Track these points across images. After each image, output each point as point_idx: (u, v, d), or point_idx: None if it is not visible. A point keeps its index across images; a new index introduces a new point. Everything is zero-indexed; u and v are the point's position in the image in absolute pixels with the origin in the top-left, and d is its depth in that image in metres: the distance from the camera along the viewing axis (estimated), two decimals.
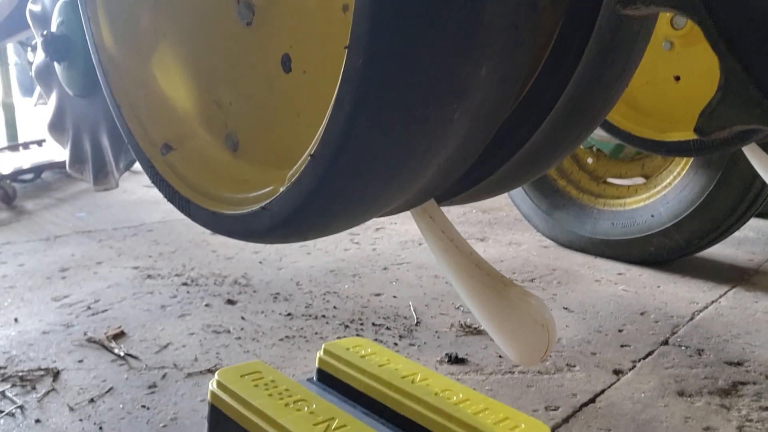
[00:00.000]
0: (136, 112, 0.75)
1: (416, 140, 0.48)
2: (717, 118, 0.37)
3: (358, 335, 1.42)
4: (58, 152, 3.02)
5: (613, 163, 2.11)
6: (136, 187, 3.03)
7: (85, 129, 1.46)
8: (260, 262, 1.93)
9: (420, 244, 2.15)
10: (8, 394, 1.13)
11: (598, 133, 1.52)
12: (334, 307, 1.57)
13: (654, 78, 1.35)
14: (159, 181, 0.71)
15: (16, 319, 1.46)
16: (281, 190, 0.54)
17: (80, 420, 1.06)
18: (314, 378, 0.92)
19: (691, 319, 1.55)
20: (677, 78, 1.31)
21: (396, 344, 1.37)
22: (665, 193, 1.90)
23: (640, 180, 2.05)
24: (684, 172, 1.88)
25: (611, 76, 0.61)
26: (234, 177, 0.66)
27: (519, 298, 0.59)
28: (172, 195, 0.69)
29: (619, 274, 1.88)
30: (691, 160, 1.85)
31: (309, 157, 0.49)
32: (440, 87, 0.46)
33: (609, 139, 1.72)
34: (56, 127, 1.53)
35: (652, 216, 1.90)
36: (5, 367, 1.23)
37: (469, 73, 0.47)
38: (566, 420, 1.10)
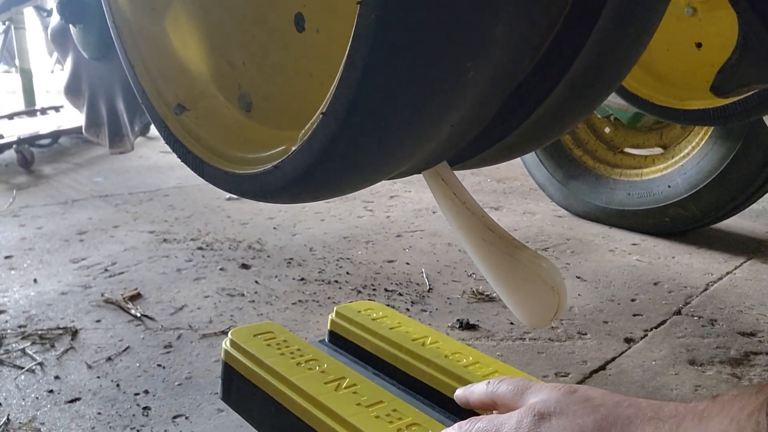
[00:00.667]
0: (149, 73, 0.75)
1: (429, 99, 0.47)
2: (735, 76, 0.37)
3: (370, 300, 1.43)
4: (75, 118, 3.04)
5: (630, 132, 2.08)
6: (152, 153, 3.04)
7: (101, 92, 1.46)
8: (274, 228, 1.94)
9: (434, 212, 2.15)
10: (28, 351, 1.16)
11: (616, 101, 1.50)
12: (347, 273, 1.58)
13: (675, 44, 1.32)
14: (172, 141, 0.71)
15: (35, 280, 1.49)
16: (293, 149, 0.54)
17: (98, 377, 1.08)
18: (326, 340, 0.93)
19: (705, 289, 1.54)
20: (699, 45, 1.28)
21: (408, 310, 1.38)
22: (683, 164, 1.88)
23: (658, 150, 2.03)
24: (703, 142, 1.85)
25: (629, 38, 0.60)
26: (247, 137, 0.66)
27: (530, 261, 0.59)
28: (185, 155, 0.69)
29: (634, 244, 1.87)
30: (711, 130, 1.82)
31: (321, 115, 0.49)
32: (454, 45, 0.46)
33: (627, 108, 1.69)
34: (72, 90, 1.53)
35: (669, 187, 1.88)
36: (25, 326, 1.26)
37: (485, 31, 0.46)
38: None
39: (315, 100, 0.57)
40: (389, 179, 0.64)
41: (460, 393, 0.60)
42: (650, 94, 1.36)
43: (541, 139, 0.66)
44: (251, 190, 0.60)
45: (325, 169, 0.52)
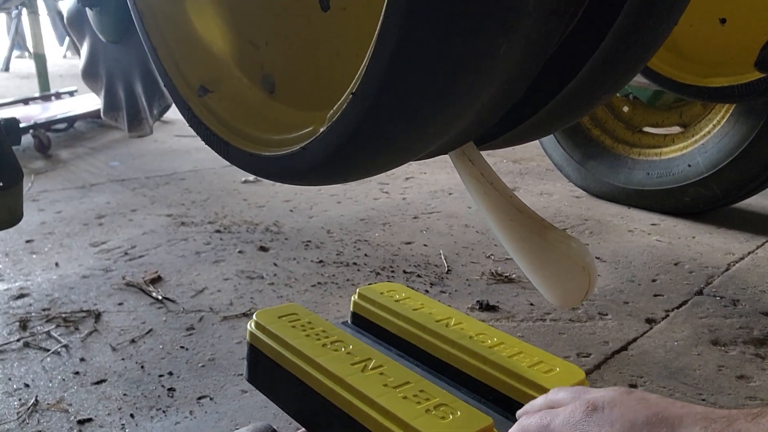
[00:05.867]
0: (171, 55, 0.75)
1: (461, 76, 0.47)
2: None
3: (390, 282, 1.43)
4: (90, 102, 3.05)
5: (649, 111, 2.05)
6: (167, 137, 3.05)
7: (119, 76, 1.46)
8: (291, 210, 1.94)
9: (450, 194, 2.14)
10: (53, 334, 1.17)
11: (637, 80, 1.47)
12: (365, 255, 1.58)
13: (698, 20, 1.29)
14: (196, 123, 0.71)
15: (56, 264, 1.51)
16: (321, 130, 0.54)
17: (122, 359, 1.09)
18: (349, 321, 0.93)
19: (727, 269, 1.52)
20: (723, 20, 1.26)
21: (427, 291, 1.38)
22: (703, 142, 1.85)
23: (677, 129, 2.00)
24: (724, 120, 1.82)
25: (661, 11, 0.59)
26: (272, 118, 0.66)
27: (559, 240, 0.58)
28: (210, 137, 0.69)
29: (653, 224, 1.85)
30: (732, 108, 1.79)
31: (350, 96, 0.48)
32: (486, 20, 0.45)
33: (647, 86, 1.67)
34: (90, 74, 1.53)
35: (689, 166, 1.85)
36: (49, 309, 1.27)
37: (517, 4, 0.45)
38: (598, 366, 1.11)
39: (341, 80, 0.56)
40: (417, 160, 0.63)
41: (521, 411, 0.60)
42: (672, 71, 1.34)
43: (569, 116, 0.65)
44: (278, 172, 0.60)
45: (354, 150, 0.52)
